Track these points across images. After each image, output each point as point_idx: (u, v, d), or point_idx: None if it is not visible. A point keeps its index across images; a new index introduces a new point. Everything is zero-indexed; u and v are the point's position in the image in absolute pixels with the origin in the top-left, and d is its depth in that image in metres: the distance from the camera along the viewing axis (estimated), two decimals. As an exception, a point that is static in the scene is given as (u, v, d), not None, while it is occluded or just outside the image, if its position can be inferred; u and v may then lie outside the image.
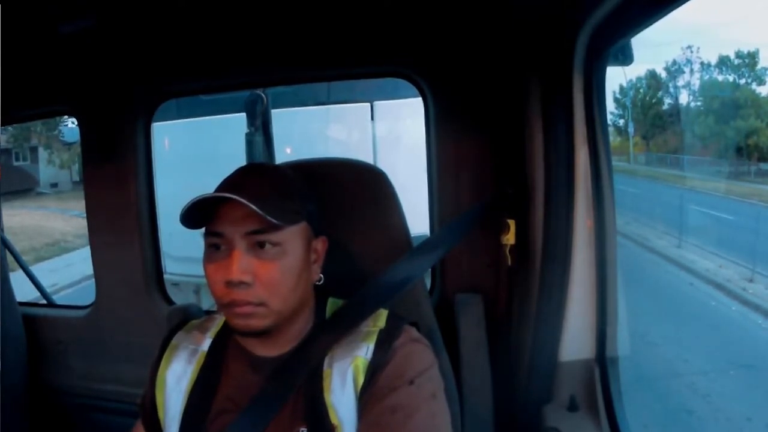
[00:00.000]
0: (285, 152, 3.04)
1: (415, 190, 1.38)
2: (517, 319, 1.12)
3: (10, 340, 1.46)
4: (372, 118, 3.57)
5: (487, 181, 1.20)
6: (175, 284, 3.35)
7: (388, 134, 3.61)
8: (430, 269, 1.27)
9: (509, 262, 1.11)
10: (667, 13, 0.75)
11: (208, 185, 0.81)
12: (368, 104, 3.56)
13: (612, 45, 0.92)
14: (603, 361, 0.97)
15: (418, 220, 1.26)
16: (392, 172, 1.03)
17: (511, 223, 1.09)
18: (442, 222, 1.24)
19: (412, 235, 1.01)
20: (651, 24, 0.80)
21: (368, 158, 3.45)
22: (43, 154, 18.51)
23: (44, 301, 1.89)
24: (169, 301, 1.47)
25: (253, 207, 0.70)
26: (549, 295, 0.98)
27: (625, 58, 0.97)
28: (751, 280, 6.74)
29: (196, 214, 0.74)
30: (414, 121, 1.32)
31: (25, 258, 1.89)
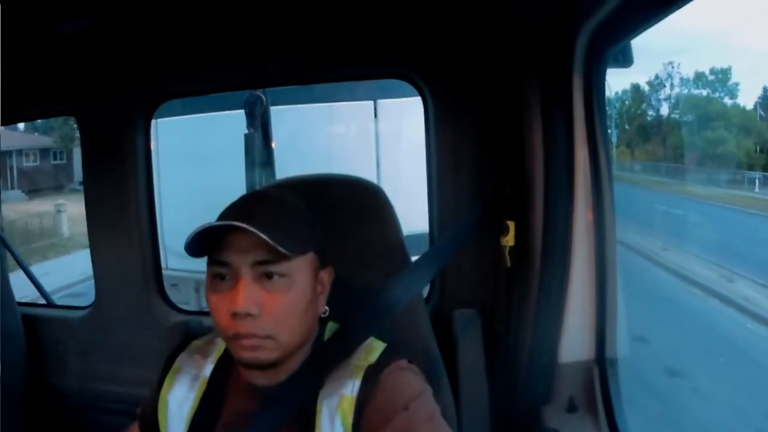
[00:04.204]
0: (285, 150, 3.02)
1: (417, 189, 1.37)
2: (516, 320, 1.12)
3: (9, 340, 1.46)
4: (375, 117, 3.56)
5: (486, 183, 1.20)
6: (174, 285, 3.35)
7: (392, 133, 3.60)
8: None
9: (508, 264, 1.11)
10: (668, 14, 0.75)
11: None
12: (371, 103, 3.55)
13: (612, 46, 0.91)
14: (602, 362, 0.97)
15: (420, 219, 1.28)
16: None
17: (511, 224, 1.09)
18: (441, 223, 1.23)
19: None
20: (651, 26, 0.79)
21: (370, 157, 3.44)
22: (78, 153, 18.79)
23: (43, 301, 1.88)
24: (169, 302, 1.47)
25: (263, 236, 0.68)
26: (548, 296, 0.97)
27: (625, 60, 0.96)
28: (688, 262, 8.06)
29: (201, 241, 0.71)
30: (417, 120, 1.32)
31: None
